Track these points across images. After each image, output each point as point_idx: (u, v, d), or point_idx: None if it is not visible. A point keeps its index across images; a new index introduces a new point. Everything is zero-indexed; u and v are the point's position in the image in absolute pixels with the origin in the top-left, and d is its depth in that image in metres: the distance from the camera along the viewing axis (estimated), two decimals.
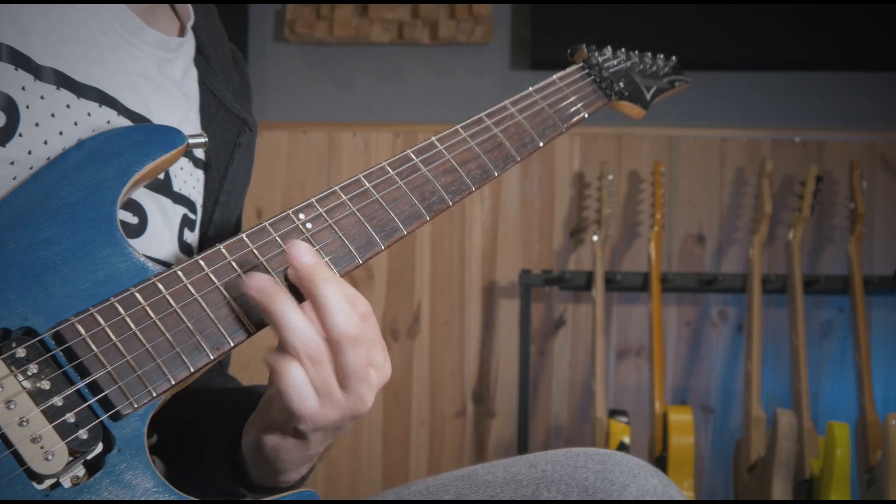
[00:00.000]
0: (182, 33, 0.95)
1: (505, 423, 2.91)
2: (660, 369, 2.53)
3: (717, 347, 2.88)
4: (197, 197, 0.95)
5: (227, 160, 0.97)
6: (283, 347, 0.70)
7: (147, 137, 0.79)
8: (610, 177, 2.77)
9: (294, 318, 0.70)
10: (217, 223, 0.96)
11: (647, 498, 0.76)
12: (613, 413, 2.49)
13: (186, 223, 0.92)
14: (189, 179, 0.93)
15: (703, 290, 2.76)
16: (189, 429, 0.91)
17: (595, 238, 2.73)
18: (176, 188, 0.91)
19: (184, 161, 0.93)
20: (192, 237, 0.93)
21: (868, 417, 2.33)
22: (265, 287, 0.70)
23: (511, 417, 2.89)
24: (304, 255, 0.71)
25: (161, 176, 0.88)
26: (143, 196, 0.86)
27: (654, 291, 2.62)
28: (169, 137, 0.79)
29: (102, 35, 0.83)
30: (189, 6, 0.96)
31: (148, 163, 0.78)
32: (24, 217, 0.73)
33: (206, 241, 0.97)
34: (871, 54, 2.85)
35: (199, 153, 0.95)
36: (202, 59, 0.98)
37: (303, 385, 0.70)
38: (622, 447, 2.41)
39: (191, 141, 0.81)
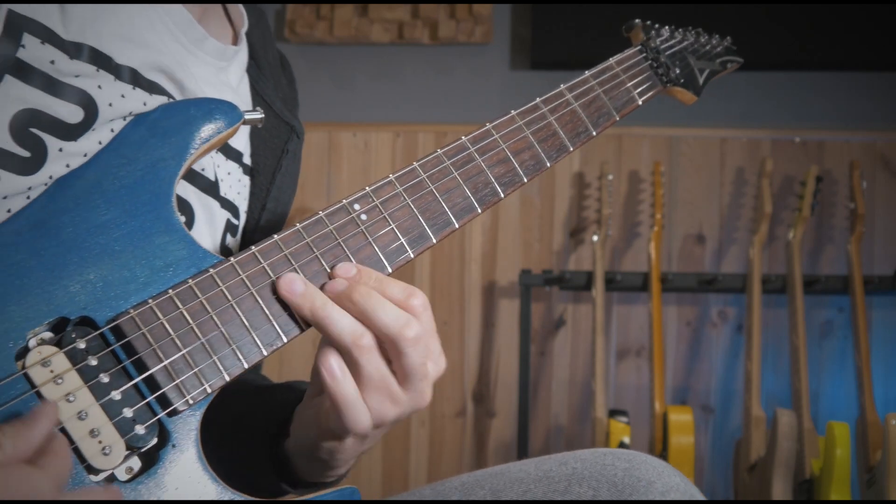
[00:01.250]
0: (235, 41, 0.94)
1: (505, 423, 2.91)
2: (660, 369, 2.53)
3: (717, 347, 2.88)
4: (241, 203, 0.95)
5: (274, 166, 0.97)
6: (328, 344, 0.72)
7: (204, 112, 0.78)
8: (610, 177, 2.77)
9: (335, 313, 0.72)
10: (264, 229, 0.96)
11: (671, 495, 0.80)
12: (613, 413, 2.49)
13: (229, 228, 0.92)
14: (235, 185, 0.93)
15: (703, 290, 2.76)
16: (229, 425, 0.92)
17: (595, 238, 2.73)
18: (222, 192, 0.91)
19: (233, 166, 0.93)
20: (233, 242, 0.94)
21: (868, 417, 2.33)
22: (297, 289, 0.72)
23: (511, 417, 2.89)
24: (349, 271, 0.73)
25: (212, 178, 0.88)
26: (192, 195, 0.86)
27: (654, 291, 2.62)
28: (226, 113, 0.79)
29: (169, 41, 0.84)
30: (243, 11, 0.95)
31: (205, 141, 0.77)
32: (82, 199, 0.72)
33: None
34: (871, 54, 2.85)
35: (248, 159, 0.95)
36: (253, 64, 0.97)
37: (356, 402, 0.72)
38: (622, 447, 2.41)
39: (247, 116, 0.80)
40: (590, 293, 2.75)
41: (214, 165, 0.90)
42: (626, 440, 2.44)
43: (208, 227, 0.89)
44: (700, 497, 0.82)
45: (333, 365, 0.72)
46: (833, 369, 2.82)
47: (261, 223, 0.96)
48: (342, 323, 0.72)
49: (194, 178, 0.86)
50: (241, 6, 0.95)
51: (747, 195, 2.87)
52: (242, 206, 0.95)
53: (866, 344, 2.42)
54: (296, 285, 0.73)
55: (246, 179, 0.95)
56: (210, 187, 0.88)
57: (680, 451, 2.35)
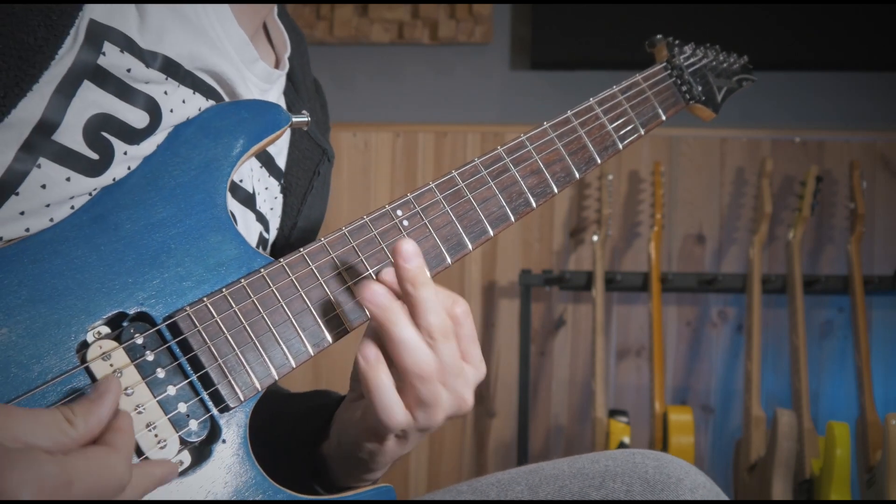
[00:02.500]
0: (277, 65, 0.97)
1: (505, 423, 2.91)
2: (660, 369, 2.53)
3: (717, 347, 2.88)
4: (272, 219, 0.97)
5: (306, 187, 0.99)
6: (385, 359, 0.74)
7: (254, 115, 0.81)
8: (610, 177, 2.77)
9: (410, 337, 0.73)
10: (294, 246, 0.99)
11: (699, 491, 0.84)
12: (613, 413, 2.49)
13: (261, 241, 0.95)
14: (269, 200, 0.96)
15: (703, 290, 2.76)
16: (260, 429, 0.93)
17: (595, 238, 2.73)
18: (258, 206, 0.93)
19: (273, 183, 0.95)
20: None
21: (868, 417, 2.33)
22: (383, 303, 0.73)
23: (511, 417, 2.89)
24: (413, 259, 0.74)
25: (250, 189, 0.91)
26: (235, 206, 0.88)
27: (654, 291, 2.63)
28: (275, 116, 0.81)
29: (226, 58, 0.86)
30: (286, 37, 0.97)
31: (255, 143, 0.80)
32: (139, 196, 0.74)
33: None
34: (871, 54, 2.85)
35: (279, 176, 0.97)
36: (290, 86, 0.99)
37: (391, 396, 0.73)
38: (622, 447, 2.41)
39: (294, 119, 0.83)
40: (590, 293, 2.75)
41: (254, 179, 0.92)
42: (626, 440, 2.44)
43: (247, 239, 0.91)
44: (724, 497, 0.86)
45: (371, 354, 0.74)
46: (833, 369, 2.82)
47: (291, 240, 0.99)
48: (414, 346, 0.73)
49: (235, 189, 0.88)
50: (284, 31, 0.97)
51: (747, 195, 2.87)
52: (273, 223, 0.98)
53: (866, 344, 2.42)
54: (379, 297, 0.74)
55: (281, 197, 0.98)
56: (248, 199, 0.91)
57: (680, 451, 2.35)
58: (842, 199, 2.83)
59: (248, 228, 0.91)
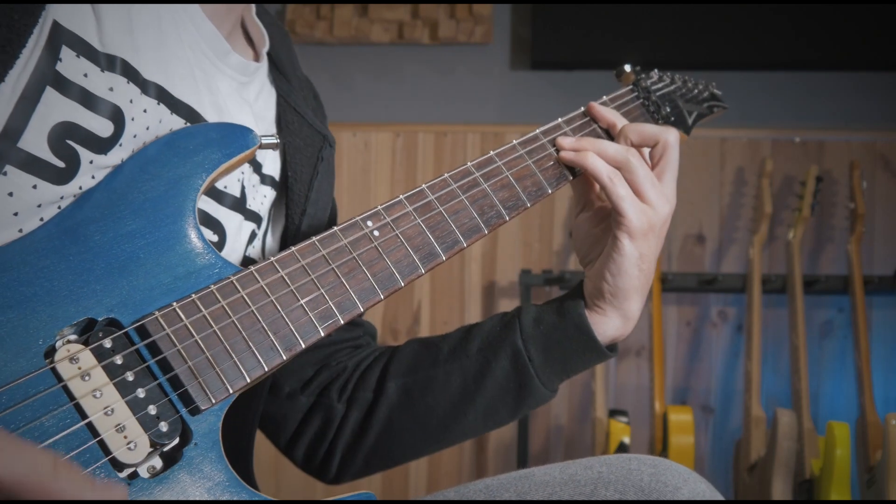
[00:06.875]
0: (256, 59, 0.98)
1: None
2: (660, 369, 2.53)
3: (717, 347, 2.88)
4: (265, 213, 0.98)
5: (311, 174, 1.00)
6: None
7: (222, 136, 0.82)
8: None
9: (606, 144, 0.92)
10: (305, 233, 0.99)
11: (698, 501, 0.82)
12: (613, 413, 2.49)
13: (251, 238, 0.95)
14: (258, 196, 0.96)
15: (703, 290, 2.76)
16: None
17: None
18: (248, 205, 0.94)
19: (256, 179, 0.96)
20: (253, 251, 0.97)
21: (868, 417, 2.33)
22: (577, 145, 0.92)
23: None
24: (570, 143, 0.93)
25: (236, 194, 0.92)
26: (221, 214, 0.89)
27: (654, 291, 2.62)
28: (243, 137, 0.83)
29: (194, 56, 0.86)
30: (264, 32, 0.98)
31: (224, 162, 0.81)
32: (109, 209, 0.76)
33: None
34: (871, 54, 2.85)
35: (269, 170, 0.98)
36: (282, 77, 1.01)
37: (628, 194, 0.89)
38: (622, 447, 2.41)
39: (263, 141, 0.84)
40: None
41: (243, 179, 0.92)
42: (626, 440, 2.44)
43: (237, 242, 0.92)
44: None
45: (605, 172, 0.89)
46: (833, 369, 2.82)
47: (302, 228, 0.99)
48: (610, 146, 0.91)
49: (222, 197, 0.89)
50: (261, 26, 0.98)
51: (747, 195, 2.87)
52: (266, 216, 0.98)
53: (866, 344, 2.42)
54: (571, 143, 0.93)
55: (266, 189, 0.98)
56: (237, 203, 0.92)
57: (680, 451, 2.35)
58: (842, 199, 2.83)
59: (240, 231, 0.92)
